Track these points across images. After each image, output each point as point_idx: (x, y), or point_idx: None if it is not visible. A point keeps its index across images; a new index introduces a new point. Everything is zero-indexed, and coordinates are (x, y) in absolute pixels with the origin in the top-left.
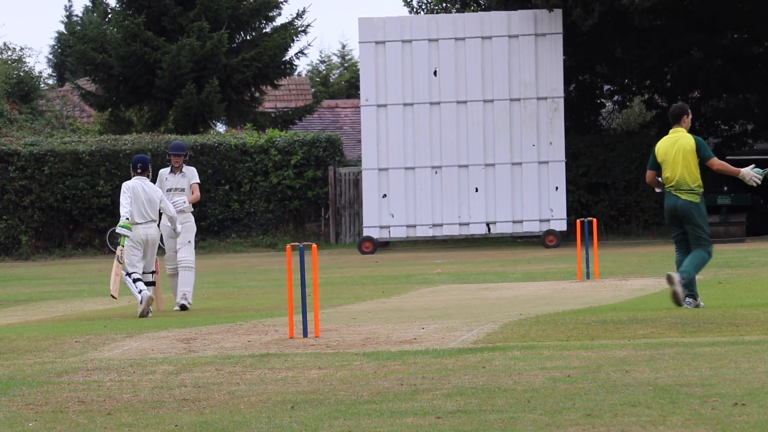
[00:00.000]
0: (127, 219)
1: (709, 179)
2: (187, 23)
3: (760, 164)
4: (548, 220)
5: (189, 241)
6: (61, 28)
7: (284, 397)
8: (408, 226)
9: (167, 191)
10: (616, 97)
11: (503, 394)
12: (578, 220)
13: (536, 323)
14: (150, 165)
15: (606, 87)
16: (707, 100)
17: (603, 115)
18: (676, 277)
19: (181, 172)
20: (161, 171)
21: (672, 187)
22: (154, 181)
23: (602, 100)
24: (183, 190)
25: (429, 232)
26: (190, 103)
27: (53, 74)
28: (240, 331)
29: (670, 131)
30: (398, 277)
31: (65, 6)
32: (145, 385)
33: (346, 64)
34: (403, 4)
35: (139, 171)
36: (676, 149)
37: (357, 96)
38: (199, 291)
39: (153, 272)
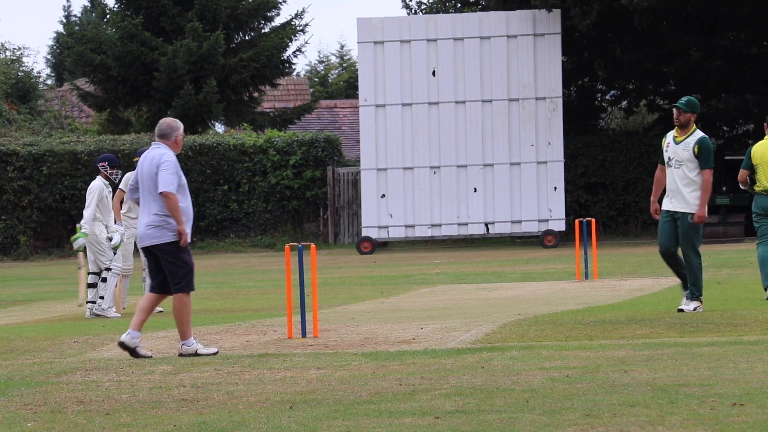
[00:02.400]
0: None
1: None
2: (185, 24)
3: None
4: (547, 221)
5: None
6: (60, 28)
7: (283, 397)
8: (407, 227)
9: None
10: (623, 103)
11: (502, 395)
12: (577, 220)
13: (535, 323)
14: (99, 164)
15: (611, 92)
16: (707, 100)
17: (603, 117)
18: None
19: None
20: (127, 176)
21: (765, 190)
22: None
23: (605, 104)
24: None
25: (428, 233)
26: (188, 103)
27: (52, 74)
28: (238, 332)
29: (767, 136)
30: (397, 278)
31: (64, 6)
32: (143, 385)
33: (344, 65)
34: (401, 5)
35: None
36: None
37: (356, 96)
38: (198, 291)
39: (93, 273)
